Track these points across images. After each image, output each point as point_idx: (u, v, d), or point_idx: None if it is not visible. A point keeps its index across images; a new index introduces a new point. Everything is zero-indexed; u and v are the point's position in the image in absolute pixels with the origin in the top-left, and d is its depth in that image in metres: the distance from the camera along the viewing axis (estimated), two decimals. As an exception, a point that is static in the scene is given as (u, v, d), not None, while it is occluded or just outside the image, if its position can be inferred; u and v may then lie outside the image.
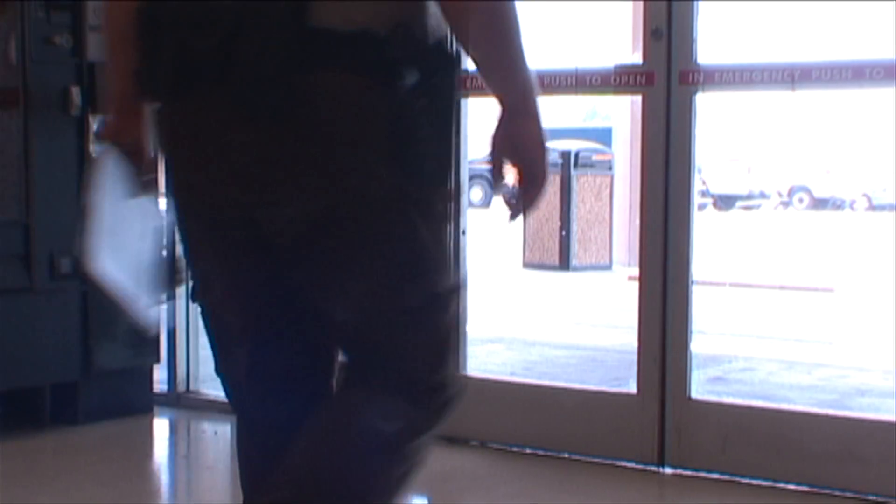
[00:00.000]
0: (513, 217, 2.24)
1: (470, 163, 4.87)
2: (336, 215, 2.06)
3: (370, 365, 2.14)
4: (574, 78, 4.47)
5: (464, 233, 4.82)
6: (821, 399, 5.74)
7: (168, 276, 2.36)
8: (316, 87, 2.01)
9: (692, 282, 4.26)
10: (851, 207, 26.24)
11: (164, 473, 4.70)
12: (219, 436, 5.05)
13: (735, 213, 29.60)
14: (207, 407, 5.31)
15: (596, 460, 4.39)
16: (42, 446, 4.48)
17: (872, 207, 26.06)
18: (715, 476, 4.20)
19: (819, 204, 27.06)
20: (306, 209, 2.07)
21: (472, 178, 5.02)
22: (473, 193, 22.37)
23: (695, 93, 4.17)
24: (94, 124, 4.91)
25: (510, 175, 2.21)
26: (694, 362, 6.34)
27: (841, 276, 11.16)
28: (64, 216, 4.63)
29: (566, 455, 4.46)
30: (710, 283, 11.29)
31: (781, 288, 10.25)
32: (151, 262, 2.32)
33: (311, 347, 2.24)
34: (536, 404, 4.61)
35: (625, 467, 4.32)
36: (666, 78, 4.19)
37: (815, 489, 4.05)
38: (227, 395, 2.38)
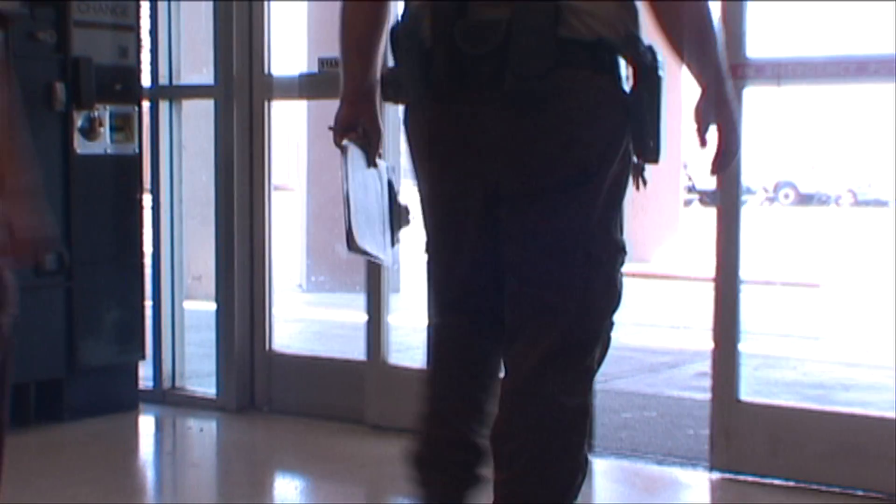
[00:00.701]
0: (714, 171, 2.84)
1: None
2: (573, 180, 2.65)
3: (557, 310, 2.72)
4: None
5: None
6: (806, 394, 5.76)
7: (396, 223, 2.96)
8: (568, 82, 2.60)
9: (741, 282, 4.14)
10: (837, 203, 26.30)
11: (150, 470, 4.69)
12: (204, 432, 5.05)
13: (696, 207, 29.63)
14: (193, 403, 5.30)
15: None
16: (27, 443, 4.46)
17: (857, 203, 26.12)
18: (765, 481, 4.06)
19: (804, 199, 27.12)
20: (549, 175, 2.65)
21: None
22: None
23: (743, 87, 4.03)
24: (77, 120, 4.90)
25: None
26: (679, 358, 6.36)
27: (826, 272, 11.18)
28: (49, 212, 4.61)
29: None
30: (697, 279, 11.31)
31: (767, 283, 10.25)
32: (386, 213, 2.93)
33: (503, 291, 2.77)
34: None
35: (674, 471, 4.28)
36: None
37: (871, 493, 3.92)
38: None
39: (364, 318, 4.89)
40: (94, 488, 4.09)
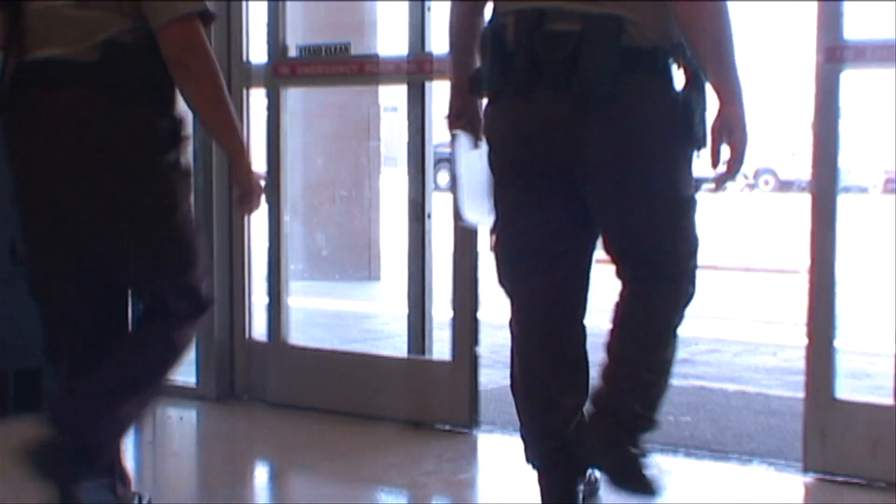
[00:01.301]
0: (719, 186, 3.24)
1: (436, 146, 4.86)
2: (636, 165, 3.17)
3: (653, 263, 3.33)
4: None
5: (429, 216, 4.81)
6: (786, 381, 5.77)
7: (488, 195, 3.40)
8: (629, 84, 3.10)
9: (835, 278, 4.00)
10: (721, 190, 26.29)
11: (130, 459, 4.66)
12: (184, 421, 5.03)
13: (701, 195, 29.64)
14: (172, 392, 5.24)
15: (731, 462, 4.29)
16: (6, 433, 4.44)
17: (838, 189, 26.13)
18: (863, 483, 3.92)
19: (784, 186, 27.19)
20: (616, 160, 3.16)
21: (438, 161, 5.01)
22: (440, 177, 22.19)
23: (840, 71, 3.92)
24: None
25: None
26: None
27: (806, 258, 11.21)
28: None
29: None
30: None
31: (747, 270, 10.28)
32: (486, 185, 3.38)
33: (578, 257, 3.37)
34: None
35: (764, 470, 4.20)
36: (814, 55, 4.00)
37: None
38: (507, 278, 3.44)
39: (342, 305, 4.88)
40: (74, 478, 4.07)
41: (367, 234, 10.04)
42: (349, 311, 8.20)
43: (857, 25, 3.95)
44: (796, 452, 4.34)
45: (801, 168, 27.20)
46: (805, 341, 4.07)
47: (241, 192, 3.30)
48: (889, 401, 4.01)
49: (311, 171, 10.00)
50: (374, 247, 10.05)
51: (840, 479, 3.96)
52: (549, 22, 3.13)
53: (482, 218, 3.48)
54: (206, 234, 5.14)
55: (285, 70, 5.07)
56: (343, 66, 4.95)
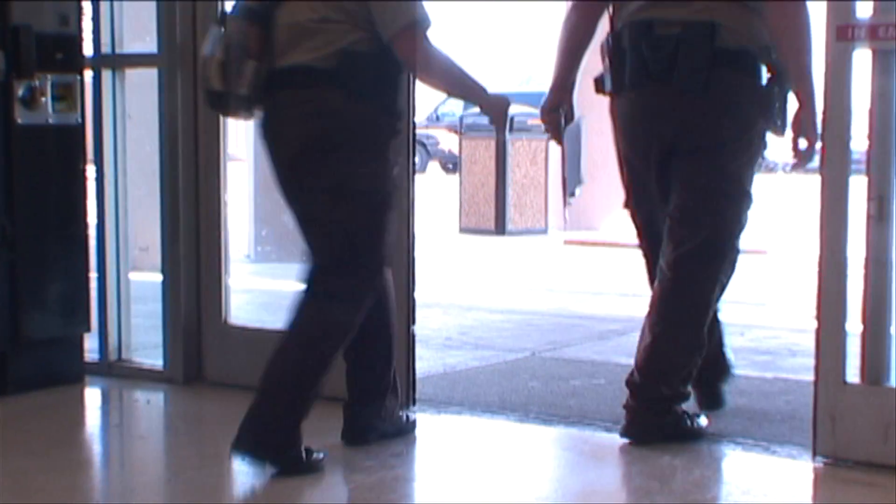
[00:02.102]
0: (798, 166, 4.09)
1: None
2: (719, 143, 3.99)
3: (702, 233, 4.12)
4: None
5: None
6: (754, 360, 5.79)
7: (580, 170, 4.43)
8: (719, 78, 3.90)
9: (846, 261, 3.92)
10: (784, 170, 26.44)
11: (97, 443, 4.65)
12: (151, 404, 5.01)
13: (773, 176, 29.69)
14: (139, 375, 5.26)
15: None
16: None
17: (806, 170, 26.21)
18: (875, 468, 3.86)
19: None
20: (703, 139, 4.03)
21: (406, 143, 4.98)
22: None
23: (853, 50, 3.85)
24: (18, 90, 4.83)
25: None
26: (628, 325, 6.38)
27: (773, 239, 11.25)
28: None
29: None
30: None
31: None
32: (580, 164, 4.39)
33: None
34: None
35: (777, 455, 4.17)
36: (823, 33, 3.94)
37: None
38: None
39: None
40: (40, 461, 4.05)
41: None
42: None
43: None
44: (763, 432, 4.37)
45: (769, 148, 27.31)
46: (813, 325, 4.02)
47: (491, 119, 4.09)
48: None
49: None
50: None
51: (850, 463, 3.93)
52: (656, 28, 3.98)
53: (579, 191, 4.55)
54: (172, 213, 5.12)
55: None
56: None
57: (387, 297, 4.09)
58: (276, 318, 6.03)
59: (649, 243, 4.40)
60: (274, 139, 3.89)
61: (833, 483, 3.89)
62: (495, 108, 4.02)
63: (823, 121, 3.92)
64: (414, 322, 4.68)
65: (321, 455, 3.94)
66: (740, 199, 4.17)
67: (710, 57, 3.92)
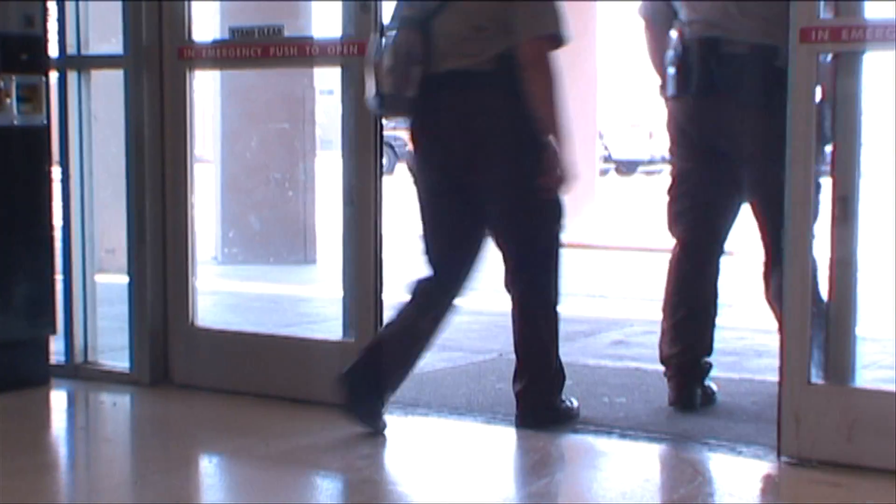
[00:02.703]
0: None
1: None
2: (777, 153, 4.01)
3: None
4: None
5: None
6: (720, 361, 5.80)
7: None
8: (778, 94, 4.01)
9: (814, 262, 3.97)
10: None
11: (62, 446, 4.62)
12: (118, 407, 4.99)
13: (637, 177, 29.83)
14: (106, 378, 5.24)
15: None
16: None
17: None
18: (839, 468, 3.89)
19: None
20: (765, 148, 4.39)
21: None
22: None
23: (818, 52, 3.90)
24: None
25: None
26: (595, 326, 6.40)
27: (740, 240, 11.30)
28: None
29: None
30: (614, 248, 11.38)
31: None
32: None
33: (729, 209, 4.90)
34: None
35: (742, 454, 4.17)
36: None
37: None
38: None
39: (277, 289, 4.86)
40: (5, 464, 4.03)
41: (302, 217, 9.99)
42: (284, 295, 8.18)
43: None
44: (729, 433, 4.39)
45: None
46: (774, 326, 4.12)
47: (545, 169, 4.21)
48: (867, 385, 4.04)
49: (245, 154, 9.94)
50: (310, 230, 10.02)
51: (815, 463, 3.95)
52: (723, 46, 4.46)
53: None
54: (138, 215, 5.11)
55: (224, 52, 5.06)
56: (277, 48, 4.91)
57: None
58: (243, 320, 6.04)
59: (684, 228, 4.86)
60: (438, 138, 4.30)
61: (798, 483, 3.91)
62: (552, 165, 4.22)
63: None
64: (382, 323, 4.67)
65: (573, 402, 4.55)
66: None
67: (771, 75, 4.28)
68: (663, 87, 4.75)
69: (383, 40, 4.29)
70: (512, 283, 4.55)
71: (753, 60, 4.44)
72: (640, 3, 4.84)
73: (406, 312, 4.47)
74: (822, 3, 3.89)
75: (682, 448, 4.23)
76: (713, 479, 3.96)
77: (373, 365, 4.31)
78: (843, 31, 3.87)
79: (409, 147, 4.45)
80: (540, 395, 4.45)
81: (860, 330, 3.99)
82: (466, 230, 4.50)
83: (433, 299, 4.63)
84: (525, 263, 4.47)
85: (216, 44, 5.25)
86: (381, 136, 4.65)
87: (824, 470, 3.91)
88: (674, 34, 4.64)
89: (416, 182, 4.48)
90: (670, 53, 4.64)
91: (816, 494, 3.77)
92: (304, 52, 4.95)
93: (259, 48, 4.93)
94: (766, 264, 4.87)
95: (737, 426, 4.49)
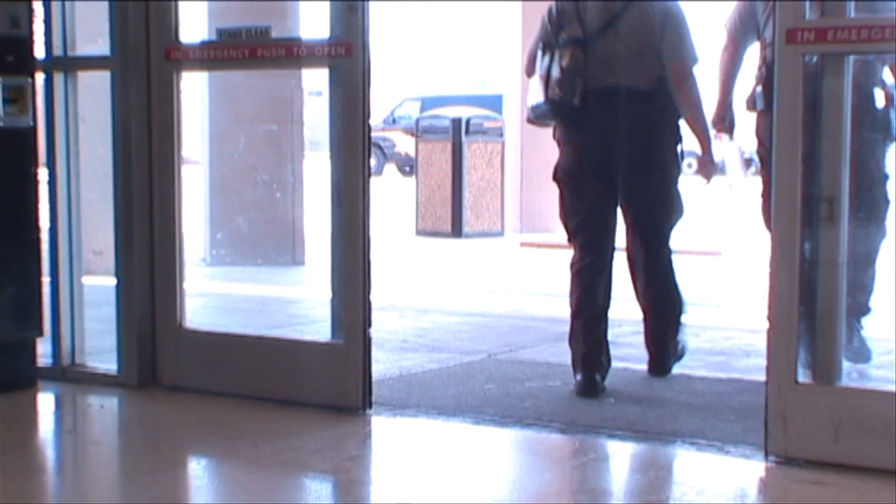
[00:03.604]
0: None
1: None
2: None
3: None
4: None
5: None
6: (708, 361, 5.82)
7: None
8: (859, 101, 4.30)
9: (797, 264, 3.97)
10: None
11: (50, 448, 4.61)
12: (105, 409, 4.98)
13: None
14: (93, 380, 5.23)
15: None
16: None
17: (758, 172, 26.35)
18: (826, 467, 3.90)
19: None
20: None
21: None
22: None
23: (804, 53, 3.91)
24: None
25: None
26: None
27: (728, 240, 11.32)
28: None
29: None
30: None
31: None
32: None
33: None
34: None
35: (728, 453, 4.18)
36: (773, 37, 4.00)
37: None
38: None
39: (266, 291, 4.85)
40: (-8, 468, 4.02)
41: (291, 219, 9.98)
42: (273, 297, 8.17)
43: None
44: (717, 432, 4.39)
45: (724, 150, 27.44)
46: (765, 325, 4.05)
47: (700, 163, 5.26)
48: (853, 384, 4.09)
49: (234, 155, 9.93)
50: (298, 231, 10.01)
51: (801, 462, 3.96)
52: None
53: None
54: (125, 216, 5.10)
55: (211, 53, 5.05)
56: (264, 49, 4.91)
57: None
58: (232, 322, 6.03)
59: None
60: (601, 139, 5.09)
61: (785, 482, 3.91)
62: (708, 161, 5.28)
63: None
64: (370, 325, 4.67)
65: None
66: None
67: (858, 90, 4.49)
68: (751, 101, 5.19)
69: (547, 56, 5.04)
70: (642, 247, 5.29)
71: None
72: (729, 18, 5.37)
73: (586, 296, 5.26)
74: (807, 4, 3.90)
75: (670, 447, 4.23)
76: (701, 479, 3.96)
77: (595, 351, 5.17)
78: (829, 31, 3.88)
79: (560, 146, 5.23)
80: (667, 339, 5.39)
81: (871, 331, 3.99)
82: (608, 212, 5.22)
83: (596, 274, 5.26)
84: (660, 232, 5.29)
85: (203, 45, 5.24)
86: (370, 138, 4.64)
87: (811, 469, 3.91)
88: (757, 51, 5.26)
89: (564, 176, 5.22)
90: (756, 73, 5.16)
91: (803, 494, 3.78)
92: (292, 54, 4.94)
93: (246, 49, 4.93)
94: None
95: (725, 426, 4.50)
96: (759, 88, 5.09)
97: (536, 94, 5.07)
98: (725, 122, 5.45)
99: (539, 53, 5.11)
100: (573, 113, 5.04)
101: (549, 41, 5.10)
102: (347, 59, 4.63)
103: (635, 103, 5.04)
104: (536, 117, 5.20)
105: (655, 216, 5.27)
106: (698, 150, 5.28)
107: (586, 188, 5.17)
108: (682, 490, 3.92)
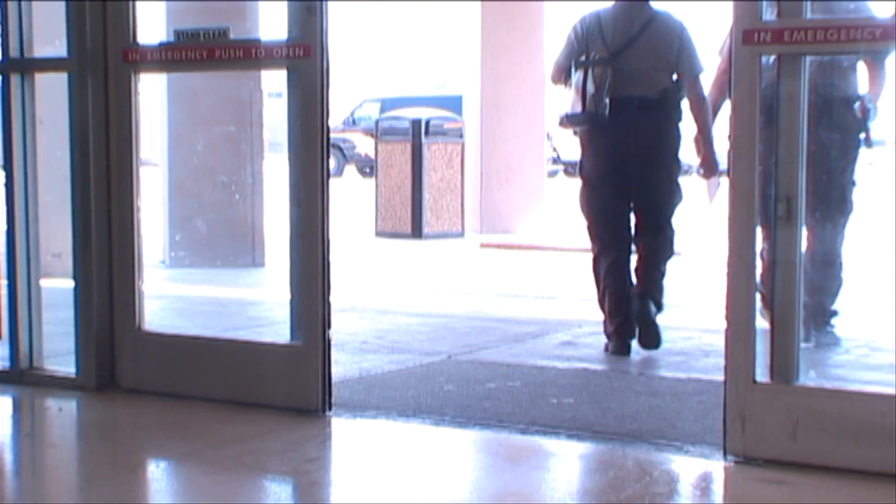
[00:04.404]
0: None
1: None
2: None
3: None
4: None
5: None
6: (668, 361, 5.85)
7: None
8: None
9: (754, 264, 4.02)
10: (698, 172, 26.69)
11: (7, 452, 4.58)
12: (64, 412, 4.95)
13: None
14: (51, 383, 5.20)
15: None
16: None
17: (720, 172, 26.50)
18: (784, 466, 3.94)
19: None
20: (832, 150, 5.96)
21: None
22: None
23: (760, 54, 3.94)
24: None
25: None
26: (543, 327, 6.40)
27: (687, 240, 11.36)
28: None
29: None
30: (562, 250, 11.42)
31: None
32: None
33: None
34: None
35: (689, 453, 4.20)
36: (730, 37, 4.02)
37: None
38: None
39: (226, 293, 4.83)
40: (-52, 472, 3.99)
41: (250, 221, 9.96)
42: (232, 298, 8.15)
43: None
44: (676, 432, 4.42)
45: (686, 151, 27.58)
46: (723, 325, 4.08)
47: (701, 165, 6.16)
48: (810, 383, 4.09)
49: (192, 157, 9.90)
50: (258, 233, 9.98)
51: (760, 462, 3.99)
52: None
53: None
54: (83, 219, 5.07)
55: (169, 55, 5.03)
56: (222, 50, 4.89)
57: None
58: (191, 324, 6.01)
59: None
60: (621, 143, 5.97)
61: (744, 481, 3.94)
62: (709, 166, 6.12)
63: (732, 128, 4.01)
64: (329, 326, 4.67)
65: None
66: None
67: (840, 102, 5.88)
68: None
69: (580, 72, 5.96)
70: (645, 234, 6.14)
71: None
72: (723, 43, 5.70)
73: (612, 278, 6.10)
74: (764, 5, 3.93)
75: (629, 448, 4.25)
76: (660, 479, 3.98)
77: (625, 323, 6.04)
78: (786, 32, 3.91)
79: (584, 146, 6.14)
80: (652, 316, 5.99)
81: (845, 332, 4.02)
82: (623, 200, 6.13)
83: (617, 258, 6.14)
84: (661, 219, 6.15)
85: (161, 46, 5.22)
86: (328, 139, 4.64)
87: (770, 468, 3.94)
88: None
89: (588, 171, 6.14)
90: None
91: (761, 493, 3.81)
92: (250, 55, 4.93)
93: (204, 51, 4.91)
94: None
95: (684, 426, 4.52)
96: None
97: (573, 105, 6.02)
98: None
99: (573, 70, 6.05)
100: (602, 121, 5.97)
101: (579, 59, 6.04)
102: (306, 60, 4.63)
103: (647, 110, 5.96)
104: (570, 123, 6.12)
105: (662, 200, 6.16)
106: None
107: (606, 181, 6.08)
108: (641, 489, 3.94)
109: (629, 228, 6.18)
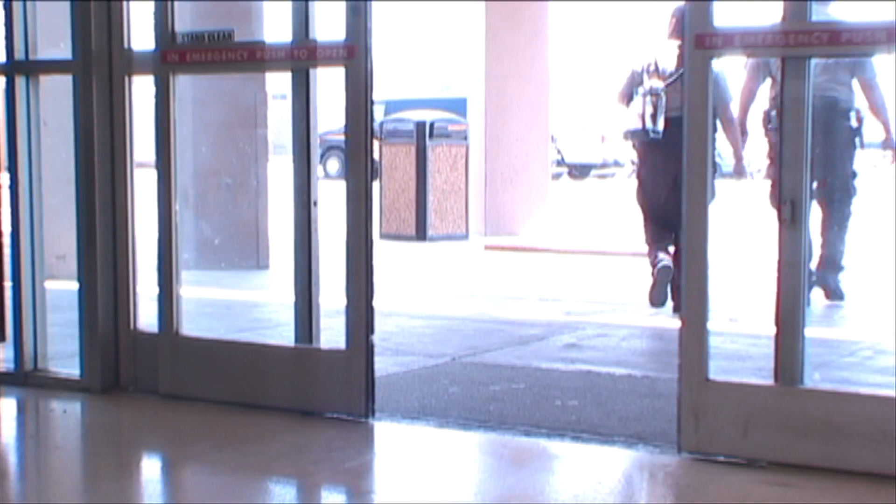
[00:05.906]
0: None
1: (324, 134, 4.83)
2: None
3: None
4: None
5: (315, 204, 4.79)
6: (672, 363, 5.83)
7: None
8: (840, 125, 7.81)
9: (707, 265, 4.09)
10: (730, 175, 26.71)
11: (12, 454, 4.59)
12: (68, 414, 4.96)
13: (590, 181, 29.94)
14: (56, 385, 5.20)
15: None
16: None
17: (721, 175, 26.56)
18: (736, 461, 4.02)
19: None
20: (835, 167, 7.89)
21: (328, 149, 4.99)
22: (330, 165, 22.34)
23: (711, 57, 4.02)
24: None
25: None
26: (548, 330, 6.40)
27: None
28: None
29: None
30: (566, 252, 11.41)
31: (634, 255, 10.39)
32: None
33: None
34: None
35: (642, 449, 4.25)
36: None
37: (851, 471, 3.88)
38: None
39: (230, 295, 4.83)
40: (-47, 474, 3.99)
41: (255, 223, 9.97)
42: (237, 301, 8.15)
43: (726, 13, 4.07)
44: (631, 429, 4.46)
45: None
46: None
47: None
48: (759, 381, 4.15)
49: (198, 159, 9.90)
50: (263, 235, 9.99)
51: (713, 458, 4.05)
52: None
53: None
54: (88, 221, 5.07)
55: (174, 57, 5.02)
56: (229, 52, 4.90)
57: None
58: (196, 326, 6.01)
59: None
60: (671, 150, 6.77)
61: (697, 477, 3.97)
62: (739, 172, 8.03)
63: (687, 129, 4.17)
64: (372, 331, 4.63)
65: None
66: None
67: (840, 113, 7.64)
68: (765, 120, 7.73)
69: (641, 99, 7.47)
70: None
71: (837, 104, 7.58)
72: (747, 62, 7.49)
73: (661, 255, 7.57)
74: (713, 9, 3.99)
75: (633, 450, 4.25)
76: (615, 476, 4.00)
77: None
78: (736, 37, 3.99)
79: (641, 155, 7.88)
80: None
81: (810, 332, 4.06)
82: (671, 199, 7.13)
83: (661, 239, 7.68)
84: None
85: (199, 48, 5.19)
86: (372, 139, 4.65)
87: (722, 464, 4.01)
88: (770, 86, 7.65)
89: (644, 176, 7.84)
90: (770, 100, 7.62)
91: (713, 489, 3.85)
92: (255, 57, 4.94)
93: (209, 53, 4.91)
94: None
95: (639, 423, 4.49)
96: (773, 112, 7.40)
97: (635, 123, 7.56)
98: (744, 134, 7.92)
99: (636, 96, 7.58)
100: (655, 136, 7.52)
101: (637, 88, 7.60)
102: (309, 62, 4.64)
103: (680, 127, 6.70)
104: (633, 138, 7.72)
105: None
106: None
107: (657, 183, 7.61)
108: (595, 487, 3.94)
109: (672, 216, 6.81)
